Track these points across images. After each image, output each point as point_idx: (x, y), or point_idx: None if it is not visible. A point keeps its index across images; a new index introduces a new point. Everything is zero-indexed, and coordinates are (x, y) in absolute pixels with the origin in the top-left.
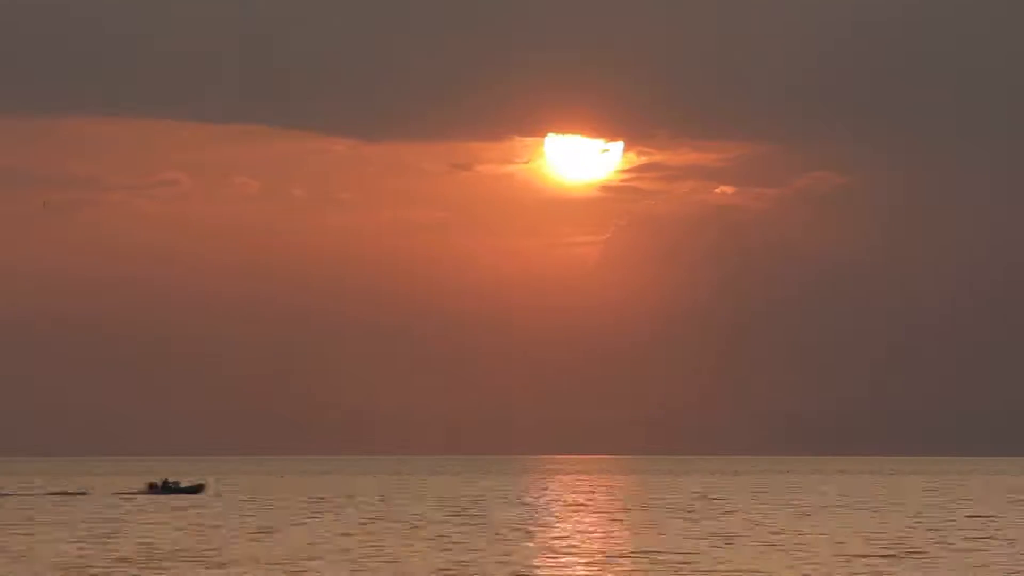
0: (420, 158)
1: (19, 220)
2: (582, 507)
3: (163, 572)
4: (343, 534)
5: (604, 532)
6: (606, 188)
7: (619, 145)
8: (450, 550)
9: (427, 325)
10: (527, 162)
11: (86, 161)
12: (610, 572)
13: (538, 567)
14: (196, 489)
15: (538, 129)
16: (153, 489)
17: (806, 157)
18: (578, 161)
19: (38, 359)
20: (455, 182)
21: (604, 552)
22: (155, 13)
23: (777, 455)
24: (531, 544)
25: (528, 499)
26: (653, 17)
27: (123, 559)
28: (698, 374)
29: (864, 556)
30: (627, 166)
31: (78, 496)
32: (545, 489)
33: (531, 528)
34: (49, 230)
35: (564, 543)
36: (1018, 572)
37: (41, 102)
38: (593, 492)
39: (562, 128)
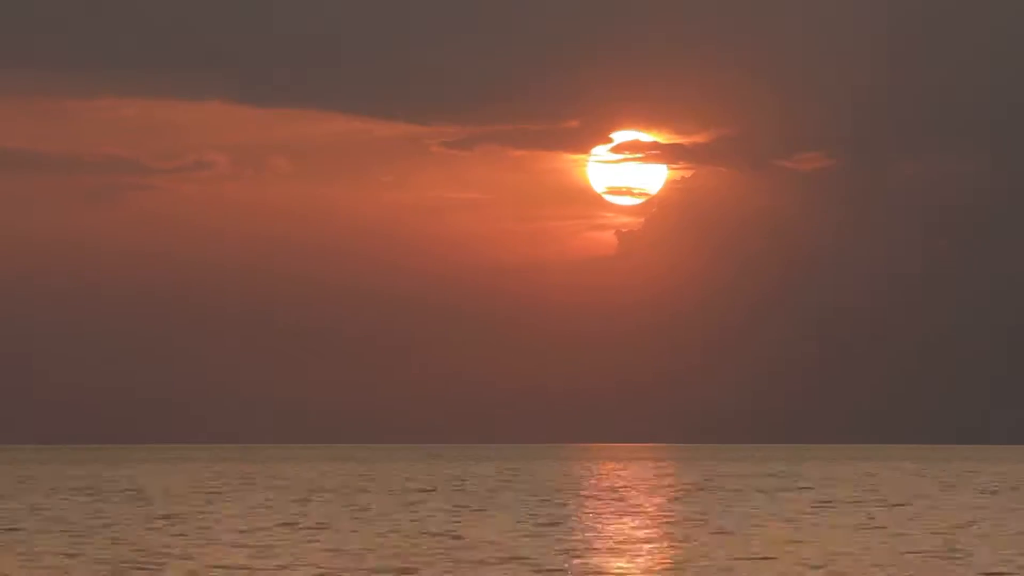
0: (463, 141)
1: (57, 206)
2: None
3: None
4: None
5: None
6: (637, 174)
7: (642, 135)
8: None
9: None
10: (570, 148)
11: (123, 144)
12: None
13: None
14: None
15: (580, 115)
16: None
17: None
18: (614, 147)
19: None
20: (498, 166)
21: None
22: None
23: (785, 443)
24: None
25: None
26: (692, 10)
27: None
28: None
29: None
30: (653, 150)
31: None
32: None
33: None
34: (91, 215)
35: None
36: None
37: (75, 84)
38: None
39: (602, 112)
